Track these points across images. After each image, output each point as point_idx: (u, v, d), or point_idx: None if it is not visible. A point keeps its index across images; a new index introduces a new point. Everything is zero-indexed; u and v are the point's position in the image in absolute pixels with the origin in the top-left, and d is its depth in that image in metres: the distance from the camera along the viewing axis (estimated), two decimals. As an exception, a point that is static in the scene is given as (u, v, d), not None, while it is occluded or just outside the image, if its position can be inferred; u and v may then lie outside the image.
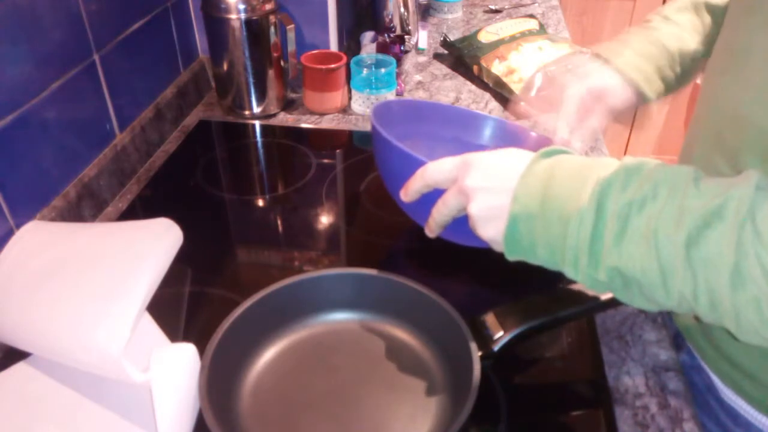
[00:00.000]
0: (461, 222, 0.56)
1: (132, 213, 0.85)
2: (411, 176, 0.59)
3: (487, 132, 0.84)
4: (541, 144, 0.74)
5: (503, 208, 0.50)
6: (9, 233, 0.68)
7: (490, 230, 0.52)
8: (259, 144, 1.04)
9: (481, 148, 0.84)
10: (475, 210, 0.52)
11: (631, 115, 0.74)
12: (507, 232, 0.50)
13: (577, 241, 0.45)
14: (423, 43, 1.33)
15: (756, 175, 0.41)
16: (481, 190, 0.51)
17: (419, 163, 0.59)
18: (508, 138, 0.82)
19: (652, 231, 0.42)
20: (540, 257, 0.49)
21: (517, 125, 0.82)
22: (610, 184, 0.45)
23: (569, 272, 0.48)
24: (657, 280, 0.43)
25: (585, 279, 0.47)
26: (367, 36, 1.24)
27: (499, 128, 0.83)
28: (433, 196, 0.58)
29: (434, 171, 0.57)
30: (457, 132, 0.84)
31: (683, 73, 0.74)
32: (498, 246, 0.52)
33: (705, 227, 0.40)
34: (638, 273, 0.43)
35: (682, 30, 0.73)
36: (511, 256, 0.51)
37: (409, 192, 0.59)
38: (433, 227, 0.59)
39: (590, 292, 0.59)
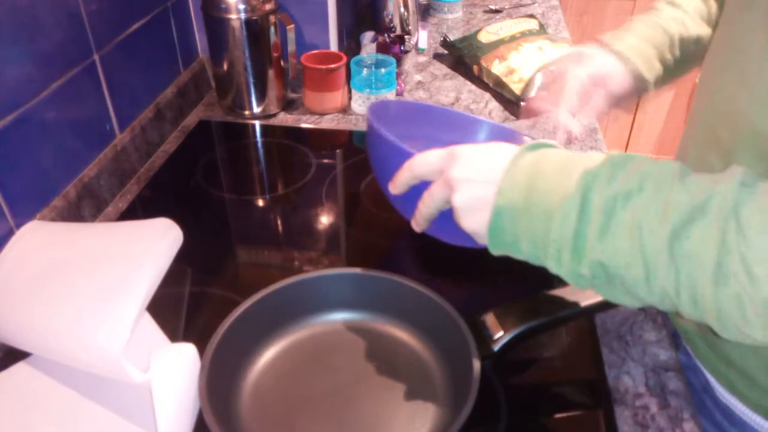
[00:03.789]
0: (449, 218, 0.55)
1: (132, 213, 0.85)
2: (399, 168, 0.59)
3: (484, 136, 0.84)
4: None
5: (487, 199, 0.49)
6: (9, 233, 0.68)
7: (474, 222, 0.51)
8: (259, 144, 1.04)
9: None
10: (458, 201, 0.51)
11: (633, 100, 0.75)
12: (491, 224, 0.49)
13: (561, 234, 0.45)
14: (423, 43, 1.33)
15: (740, 171, 0.41)
16: (465, 182, 0.51)
17: (407, 155, 0.59)
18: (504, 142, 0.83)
19: (637, 225, 0.42)
20: (523, 251, 0.49)
21: (513, 130, 0.82)
22: (595, 177, 0.44)
23: (552, 267, 0.47)
24: (640, 275, 0.43)
25: (567, 274, 0.47)
26: (367, 36, 1.24)
27: (496, 133, 0.83)
28: (420, 189, 0.57)
29: (421, 163, 0.56)
30: (454, 135, 0.84)
31: (684, 58, 0.74)
32: (481, 239, 0.52)
33: (689, 222, 0.40)
34: (621, 268, 0.43)
35: (685, 14, 0.73)
36: (495, 250, 0.51)
37: (397, 184, 0.59)
38: (420, 221, 0.58)
39: (590, 292, 0.59)
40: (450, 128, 0.84)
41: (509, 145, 0.52)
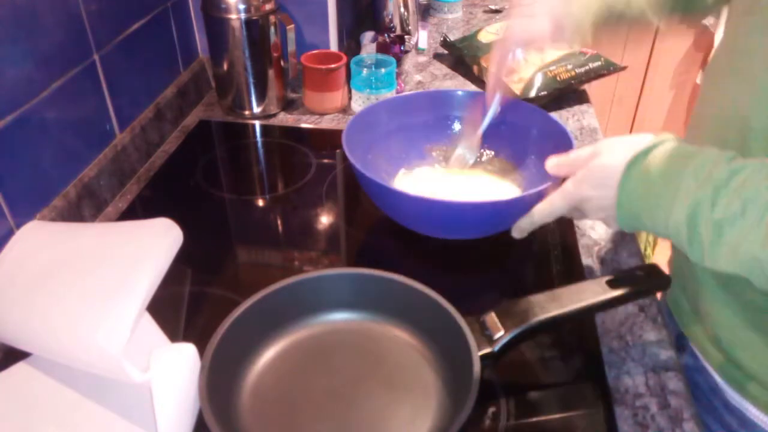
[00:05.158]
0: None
1: (132, 213, 0.85)
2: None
3: (457, 107, 0.92)
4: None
5: (613, 212, 0.59)
6: (9, 233, 0.68)
7: (609, 225, 0.63)
8: (259, 144, 1.04)
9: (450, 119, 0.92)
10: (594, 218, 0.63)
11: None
12: (619, 224, 0.59)
13: (679, 244, 0.52)
14: (423, 43, 1.33)
15: None
16: (596, 214, 0.62)
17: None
18: (471, 104, 0.89)
19: (738, 247, 0.47)
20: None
21: (478, 92, 0.89)
22: (698, 203, 0.49)
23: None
24: (747, 276, 0.49)
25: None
26: (367, 36, 1.24)
27: (466, 98, 0.91)
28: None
29: (548, 215, 0.66)
30: (431, 114, 0.91)
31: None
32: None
33: None
34: (736, 272, 0.49)
35: None
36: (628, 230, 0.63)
37: (524, 231, 0.69)
38: (527, 229, 0.68)
39: (590, 292, 0.59)
40: (424, 110, 0.90)
41: (617, 168, 0.56)
